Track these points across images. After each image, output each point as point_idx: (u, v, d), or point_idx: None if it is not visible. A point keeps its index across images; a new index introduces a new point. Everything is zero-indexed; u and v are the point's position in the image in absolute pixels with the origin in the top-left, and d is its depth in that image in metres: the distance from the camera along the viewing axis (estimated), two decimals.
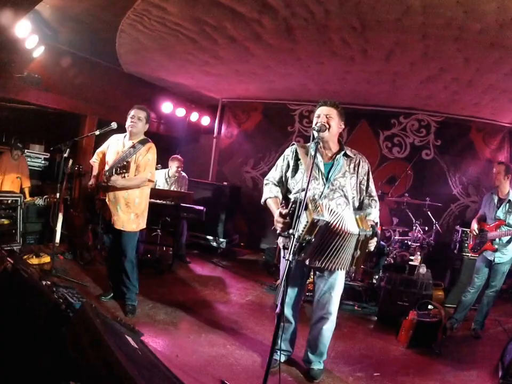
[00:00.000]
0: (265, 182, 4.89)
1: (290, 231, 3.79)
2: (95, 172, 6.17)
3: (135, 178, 5.77)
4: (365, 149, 9.79)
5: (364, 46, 6.58)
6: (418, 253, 7.75)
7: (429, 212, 8.64)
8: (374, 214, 4.60)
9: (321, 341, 4.95)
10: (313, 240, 3.98)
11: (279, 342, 4.80)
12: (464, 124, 10.25)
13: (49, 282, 5.11)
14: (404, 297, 6.99)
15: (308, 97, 10.24)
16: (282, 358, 5.14)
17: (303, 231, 3.94)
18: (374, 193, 4.73)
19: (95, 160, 6.19)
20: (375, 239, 4.24)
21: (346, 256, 4.14)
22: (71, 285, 5.86)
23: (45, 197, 8.90)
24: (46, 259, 7.53)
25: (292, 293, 4.90)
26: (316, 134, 4.23)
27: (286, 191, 4.78)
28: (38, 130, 10.42)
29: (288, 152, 4.79)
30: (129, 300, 6.10)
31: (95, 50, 8.53)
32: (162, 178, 9.13)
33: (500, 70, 6.68)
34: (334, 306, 4.86)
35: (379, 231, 4.22)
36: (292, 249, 3.64)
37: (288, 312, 4.98)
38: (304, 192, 3.87)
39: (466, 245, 7.93)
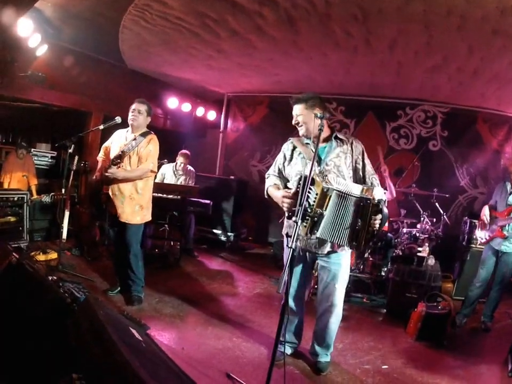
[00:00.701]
0: (266, 176, 4.95)
1: (293, 218, 3.71)
2: (99, 167, 6.16)
3: (137, 169, 5.81)
4: (372, 140, 9.95)
5: (367, 36, 6.51)
6: (427, 244, 7.71)
7: (436, 203, 8.56)
8: (378, 193, 4.37)
9: (328, 333, 4.90)
10: (324, 213, 3.99)
11: (284, 333, 4.91)
12: (471, 114, 10.13)
13: (55, 278, 5.17)
14: (413, 289, 6.94)
15: (314, 89, 9.43)
16: (289, 350, 5.16)
17: (313, 205, 3.96)
18: (372, 171, 4.66)
19: (101, 156, 6.22)
20: (380, 215, 4.02)
21: (348, 227, 4.04)
22: (78, 280, 6.00)
23: (51, 194, 8.92)
24: (53, 255, 7.57)
25: (295, 283, 4.86)
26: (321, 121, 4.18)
27: (285, 182, 4.78)
28: (45, 129, 10.46)
29: (285, 146, 4.86)
30: (135, 291, 6.17)
31: (98, 48, 8.52)
32: (170, 171, 9.27)
33: (503, 59, 6.60)
34: (338, 298, 4.78)
35: (386, 210, 4.09)
36: (295, 235, 3.51)
37: (292, 303, 4.95)
38: (310, 167, 3.82)
39: (474, 236, 7.80)
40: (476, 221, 7.67)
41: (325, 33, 6.62)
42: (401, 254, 8.08)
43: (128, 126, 6.03)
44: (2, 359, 3.18)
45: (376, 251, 8.40)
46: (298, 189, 3.97)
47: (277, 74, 9.42)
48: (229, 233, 10.61)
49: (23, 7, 5.94)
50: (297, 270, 4.81)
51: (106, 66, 9.31)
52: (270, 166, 4.91)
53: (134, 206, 5.94)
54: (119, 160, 5.60)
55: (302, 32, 6.68)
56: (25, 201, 8.06)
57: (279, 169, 4.86)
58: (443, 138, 10.34)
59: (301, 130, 4.54)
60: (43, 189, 9.68)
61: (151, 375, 2.56)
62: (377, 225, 4.04)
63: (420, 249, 7.64)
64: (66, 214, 7.86)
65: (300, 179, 3.98)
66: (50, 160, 10.61)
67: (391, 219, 9.01)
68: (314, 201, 3.96)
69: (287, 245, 3.90)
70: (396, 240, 8.38)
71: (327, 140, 4.64)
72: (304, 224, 3.99)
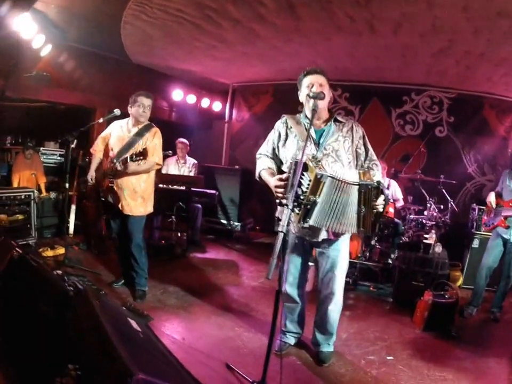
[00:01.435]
0: (257, 156, 4.75)
1: (284, 201, 3.63)
2: (95, 162, 6.13)
3: (145, 163, 5.73)
4: (378, 127, 10.02)
5: (370, 19, 6.35)
6: (433, 232, 7.54)
7: (443, 190, 8.40)
8: (378, 175, 4.38)
9: (328, 321, 4.80)
10: (318, 200, 3.81)
11: (285, 323, 5.05)
12: (477, 100, 9.96)
13: (60, 272, 5.18)
14: (419, 277, 6.81)
15: None
16: (292, 341, 5.11)
17: (306, 192, 3.76)
18: (374, 156, 4.51)
19: (96, 148, 6.14)
20: (382, 197, 3.92)
21: (351, 215, 3.91)
22: (83, 274, 6.43)
23: (59, 190, 9.00)
24: (61, 250, 7.53)
25: (295, 271, 4.79)
26: (312, 101, 4.09)
27: (279, 163, 4.60)
28: (53, 128, 10.44)
29: (279, 124, 4.64)
30: (138, 285, 6.19)
31: (102, 44, 8.52)
32: (173, 163, 9.38)
33: (510, 41, 6.42)
34: (338, 286, 4.67)
35: (387, 191, 3.98)
36: (286, 220, 3.34)
37: (293, 291, 4.87)
38: (302, 153, 3.66)
39: (481, 221, 7.61)
40: (484, 207, 7.49)
41: (327, 18, 6.46)
42: (408, 241, 7.97)
43: (125, 117, 6.05)
44: (7, 351, 3.21)
45: (383, 238, 8.31)
46: (290, 175, 3.87)
47: (281, 61, 9.30)
48: (236, 223, 10.58)
49: (22, 6, 5.94)
50: (296, 257, 4.72)
51: (111, 62, 9.34)
52: None
53: (137, 199, 5.93)
54: (141, 157, 5.46)
55: (303, 18, 6.54)
56: (32, 198, 8.07)
57: (272, 149, 4.65)
58: (449, 124, 10.19)
59: (321, 103, 4.19)
60: (53, 187, 9.69)
61: (143, 365, 2.55)
62: (381, 208, 3.95)
63: (426, 236, 7.48)
64: (73, 209, 8.24)
65: (292, 164, 3.86)
66: (59, 158, 10.61)
67: (401, 206, 8.95)
68: (307, 188, 3.76)
69: (276, 229, 3.70)
70: (403, 227, 8.27)
71: (325, 122, 4.47)
72: (297, 211, 3.84)
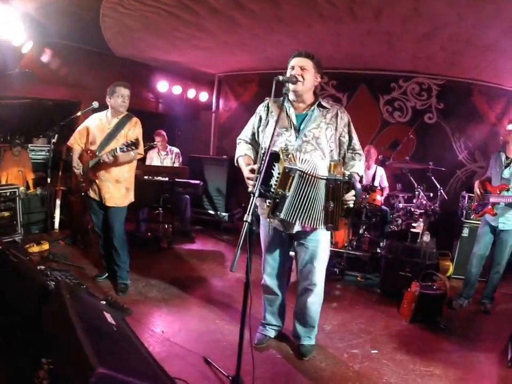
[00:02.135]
0: (237, 141, 4.62)
1: (250, 189, 3.51)
2: (77, 152, 6.02)
3: (128, 153, 5.63)
4: (366, 114, 9.95)
5: (350, 5, 6.19)
6: (421, 220, 7.35)
7: (433, 177, 8.24)
8: (357, 166, 4.29)
9: (308, 314, 4.69)
10: (287, 194, 3.76)
11: (265, 315, 4.99)
12: (466, 87, 9.86)
13: (43, 267, 5.73)
14: (406, 267, 6.65)
15: None
16: (272, 333, 5.02)
17: (275, 185, 3.72)
18: (357, 146, 4.40)
19: (73, 141, 6.01)
20: (353, 192, 3.82)
21: (320, 209, 3.84)
22: (68, 269, 6.40)
23: (45, 186, 8.80)
24: (47, 246, 7.50)
25: (273, 262, 4.70)
26: (287, 84, 3.98)
27: (259, 149, 4.34)
28: (41, 124, 10.40)
29: (260, 107, 4.48)
30: (120, 279, 6.17)
31: (83, 38, 8.49)
32: (155, 154, 9.33)
33: (496, 26, 6.29)
34: (318, 277, 4.54)
35: (359, 186, 3.89)
36: (251, 209, 3.21)
37: (272, 283, 4.78)
38: (272, 143, 3.58)
39: (471, 209, 7.47)
40: (473, 195, 7.29)
41: (306, 4, 6.32)
42: (396, 230, 7.87)
43: (103, 109, 5.99)
44: None
45: (372, 227, 8.23)
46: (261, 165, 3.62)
47: (264, 50, 9.18)
48: (223, 214, 10.48)
49: None
50: (274, 248, 4.63)
51: (94, 56, 9.32)
52: None
53: (121, 189, 5.89)
54: (133, 147, 5.42)
55: (282, 5, 6.40)
56: (17, 195, 8.03)
57: (252, 134, 4.52)
58: (439, 111, 10.08)
59: (297, 86, 4.07)
60: (41, 183, 9.63)
61: (109, 360, 2.66)
62: (351, 203, 3.85)
63: (414, 225, 7.29)
64: (58, 204, 8.28)
65: (264, 154, 3.64)
66: (47, 154, 10.54)
67: (389, 193, 8.92)
68: (276, 181, 3.71)
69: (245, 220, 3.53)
70: (391, 216, 8.18)
71: (309, 107, 4.29)
72: (268, 204, 3.83)
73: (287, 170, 3.66)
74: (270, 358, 4.67)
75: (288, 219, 3.88)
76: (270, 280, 4.76)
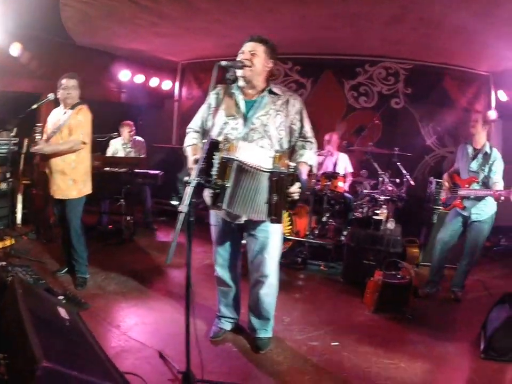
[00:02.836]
0: (187, 131, 4.42)
1: (185, 178, 3.31)
2: None
3: (66, 142, 5.61)
4: (330, 99, 9.91)
5: None
6: (384, 207, 7.22)
7: (398, 163, 8.06)
8: (307, 155, 4.11)
9: (262, 306, 4.56)
10: (228, 185, 3.69)
11: (220, 308, 4.87)
12: (437, 71, 9.81)
13: (4, 263, 5.55)
14: (370, 256, 6.53)
15: None
16: (228, 326, 4.91)
17: (216, 176, 3.65)
18: (309, 134, 4.23)
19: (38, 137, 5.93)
20: (298, 184, 3.74)
21: (263, 202, 3.76)
22: (29, 264, 6.15)
23: (8, 180, 8.58)
24: (10, 241, 7.23)
25: (224, 253, 4.57)
26: (231, 71, 3.81)
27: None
28: (5, 117, 10.22)
29: (211, 94, 4.26)
30: (79, 273, 6.05)
31: (44, 28, 8.27)
32: (119, 146, 9.06)
33: (466, 8, 6.18)
34: (270, 268, 4.38)
35: (304, 177, 3.79)
36: (187, 199, 3.10)
37: (224, 274, 4.67)
38: (219, 131, 3.71)
39: (439, 197, 7.26)
40: (442, 180, 7.14)
41: None
42: (360, 217, 7.69)
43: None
44: None
45: (336, 214, 8.07)
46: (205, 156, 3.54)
47: (227, 36, 8.93)
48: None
49: None
50: (223, 239, 4.50)
51: (55, 46, 9.10)
52: None
53: (67, 181, 5.73)
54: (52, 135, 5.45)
55: None
56: None
57: (202, 122, 4.33)
58: (406, 96, 10.01)
59: (245, 71, 3.92)
60: (3, 177, 9.41)
61: (55, 354, 2.68)
62: (296, 196, 3.78)
63: (377, 212, 7.16)
64: (19, 198, 8.15)
65: (207, 144, 3.54)
66: (12, 147, 10.36)
67: (352, 179, 8.76)
68: (217, 172, 3.64)
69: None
70: (355, 203, 8.01)
71: (259, 93, 4.13)
72: (210, 194, 3.78)
73: (224, 160, 3.62)
74: (226, 351, 4.54)
75: (231, 210, 3.82)
76: (222, 271, 4.65)
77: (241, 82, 4.03)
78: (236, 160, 3.64)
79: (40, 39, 8.66)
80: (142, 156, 9.18)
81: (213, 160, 3.62)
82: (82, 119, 5.72)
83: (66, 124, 5.63)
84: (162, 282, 6.40)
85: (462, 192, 6.05)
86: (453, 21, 6.85)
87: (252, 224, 4.21)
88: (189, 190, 3.13)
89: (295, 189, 3.72)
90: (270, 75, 4.21)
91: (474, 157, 6.06)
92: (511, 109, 9.35)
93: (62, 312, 3.65)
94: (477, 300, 6.43)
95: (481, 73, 9.63)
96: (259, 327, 4.67)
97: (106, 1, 6.85)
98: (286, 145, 4.14)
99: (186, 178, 3.27)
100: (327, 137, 8.57)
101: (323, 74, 10.40)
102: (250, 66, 3.91)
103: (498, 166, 5.87)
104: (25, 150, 8.26)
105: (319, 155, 8.23)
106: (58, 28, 8.21)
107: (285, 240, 7.21)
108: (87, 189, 5.97)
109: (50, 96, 5.97)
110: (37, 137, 5.90)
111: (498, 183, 5.74)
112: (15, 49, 8.05)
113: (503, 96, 9.35)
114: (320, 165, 8.32)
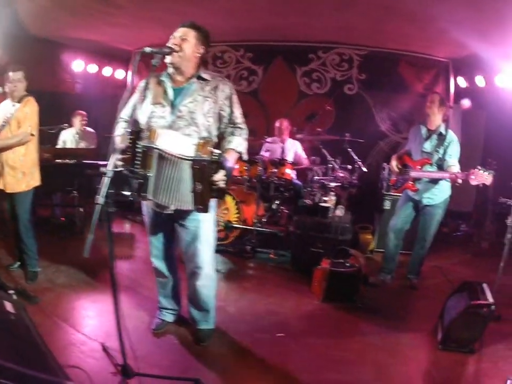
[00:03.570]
0: (117, 120, 4.17)
1: (101, 169, 3.16)
2: None
3: (15, 135, 5.43)
4: (282, 86, 9.67)
5: None
6: (333, 193, 7.04)
7: (349, 149, 7.86)
8: (235, 142, 3.96)
9: (200, 298, 4.37)
10: (150, 175, 3.59)
11: (159, 299, 4.70)
12: (392, 57, 9.61)
13: None
14: (318, 243, 6.30)
15: (220, 37, 9.43)
16: (169, 318, 4.71)
17: (138, 165, 3.54)
18: (238, 119, 4.06)
19: None
20: (222, 172, 3.60)
21: (187, 192, 3.65)
22: None
23: None
24: None
25: (158, 244, 4.39)
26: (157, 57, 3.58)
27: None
28: None
29: (141, 83, 4.08)
30: (30, 267, 5.85)
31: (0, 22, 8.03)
32: (70, 137, 8.85)
33: None
34: (204, 259, 4.20)
35: (229, 165, 3.59)
36: (104, 190, 3.03)
37: (161, 265, 4.48)
38: (146, 120, 3.64)
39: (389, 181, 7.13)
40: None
41: None
42: (310, 204, 7.42)
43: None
44: None
45: (286, 202, 7.91)
46: (129, 144, 3.54)
47: (178, 24, 8.63)
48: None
49: None
50: (155, 229, 4.33)
51: (9, 38, 8.64)
52: None
53: (18, 174, 5.54)
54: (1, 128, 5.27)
55: None
56: None
57: (131, 112, 4.06)
58: (360, 82, 9.82)
59: (173, 57, 3.74)
60: None
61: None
62: (222, 183, 3.66)
63: (325, 199, 6.96)
64: None
65: (130, 133, 3.55)
66: None
67: (302, 167, 8.49)
68: (139, 161, 3.54)
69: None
70: (305, 189, 7.77)
71: (188, 80, 3.93)
72: (136, 184, 3.65)
73: (144, 149, 3.53)
74: (167, 343, 4.35)
75: (157, 200, 3.73)
76: (158, 262, 4.48)
77: (170, 69, 3.90)
78: (156, 148, 3.54)
79: None
80: (92, 147, 8.94)
81: (137, 150, 3.51)
82: (29, 111, 5.55)
83: (14, 117, 5.46)
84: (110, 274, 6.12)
85: (413, 173, 5.82)
86: (403, 5, 6.69)
87: (181, 214, 4.03)
88: (105, 181, 3.03)
89: (219, 177, 3.61)
90: (201, 62, 4.03)
91: (428, 138, 5.85)
92: (470, 96, 9.34)
93: (8, 306, 3.45)
94: (435, 287, 6.26)
95: (440, 59, 9.52)
96: (200, 319, 4.50)
97: None
98: (215, 132, 4.01)
99: (102, 169, 3.15)
100: (277, 123, 8.45)
101: (275, 61, 10.16)
102: (179, 52, 3.76)
103: (454, 149, 5.67)
104: None
105: (268, 142, 8.18)
106: (14, 19, 7.99)
107: (232, 228, 7.15)
108: (34, 181, 5.80)
109: None
110: None
111: (454, 166, 5.52)
112: None
113: (462, 82, 9.29)
114: (269, 151, 8.19)
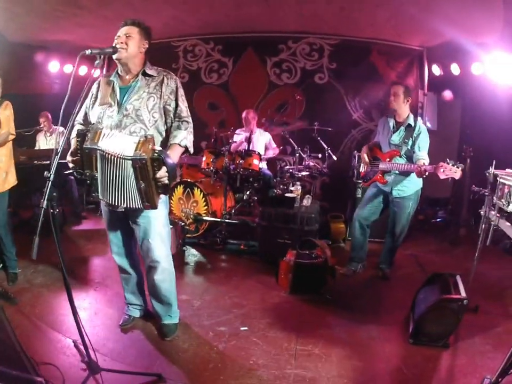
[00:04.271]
0: (74, 123, 4.04)
1: (45, 173, 3.04)
2: None
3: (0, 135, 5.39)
4: (252, 77, 9.56)
5: None
6: (298, 183, 6.89)
7: (319, 138, 7.74)
8: (180, 136, 3.91)
9: (160, 292, 4.35)
10: (96, 175, 3.56)
11: (125, 295, 4.69)
12: (363, 46, 9.42)
13: None
14: (284, 234, 6.18)
15: (188, 31, 9.42)
16: (136, 313, 4.73)
17: (85, 166, 3.55)
18: (184, 113, 4.01)
19: None
20: (164, 169, 3.51)
21: (133, 189, 3.57)
22: None
23: None
24: None
25: (117, 241, 4.37)
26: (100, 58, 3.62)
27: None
28: None
29: (94, 84, 4.03)
30: (10, 268, 5.88)
31: None
32: (42, 137, 9.00)
33: None
34: (159, 254, 4.16)
35: (171, 161, 3.46)
36: (46, 195, 2.92)
37: (122, 262, 4.47)
38: (96, 121, 3.67)
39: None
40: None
41: None
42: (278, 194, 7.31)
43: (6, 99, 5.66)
44: None
45: (257, 192, 7.82)
46: (77, 146, 3.55)
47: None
48: None
49: None
50: (113, 226, 4.32)
51: None
52: None
53: (2, 174, 5.52)
54: None
55: None
56: None
57: (85, 114, 4.05)
58: (331, 71, 9.63)
59: (120, 54, 3.73)
60: None
61: None
62: (165, 180, 3.60)
63: (292, 189, 6.83)
64: None
65: (78, 135, 3.56)
66: None
67: (271, 157, 8.46)
68: (85, 162, 3.54)
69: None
70: (275, 179, 7.68)
71: (135, 77, 3.89)
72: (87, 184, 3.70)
73: (86, 150, 3.47)
74: (133, 339, 4.33)
75: (106, 199, 3.69)
76: (119, 259, 4.47)
77: (119, 68, 3.91)
78: (98, 149, 3.44)
79: None
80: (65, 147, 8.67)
81: (80, 151, 3.51)
82: (9, 113, 5.52)
83: None
84: (84, 272, 6.17)
85: (382, 166, 5.69)
86: None
87: (133, 212, 3.99)
88: (48, 185, 2.97)
89: (162, 174, 3.55)
90: (146, 57, 4.06)
91: (396, 130, 5.70)
92: (445, 84, 9.24)
93: None
94: (409, 277, 6.09)
95: (413, 47, 9.34)
96: (163, 313, 4.48)
97: None
98: (162, 128, 4.00)
99: (46, 173, 3.05)
100: (243, 114, 8.40)
101: (245, 52, 10.01)
102: (125, 49, 3.78)
103: (423, 141, 5.50)
104: None
105: (236, 133, 8.15)
106: None
107: (202, 221, 7.08)
108: (13, 180, 5.73)
109: None
110: None
111: (423, 159, 5.35)
112: None
113: (436, 70, 9.12)
114: (237, 143, 8.08)
